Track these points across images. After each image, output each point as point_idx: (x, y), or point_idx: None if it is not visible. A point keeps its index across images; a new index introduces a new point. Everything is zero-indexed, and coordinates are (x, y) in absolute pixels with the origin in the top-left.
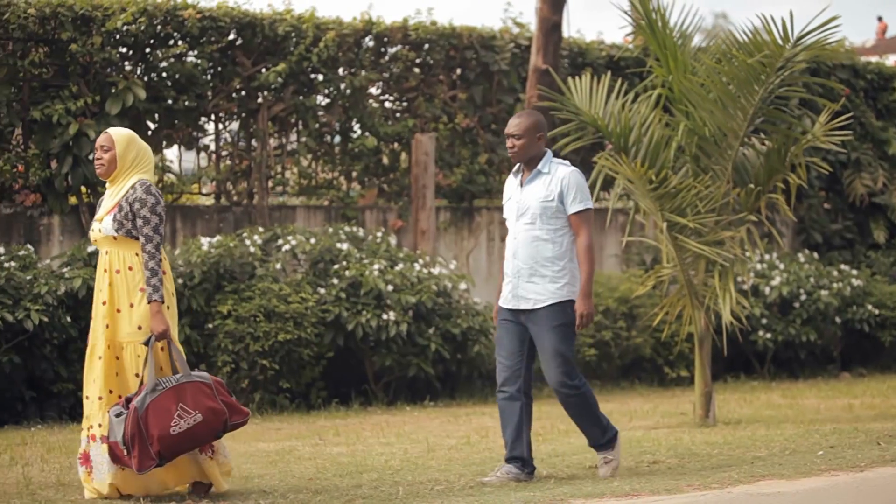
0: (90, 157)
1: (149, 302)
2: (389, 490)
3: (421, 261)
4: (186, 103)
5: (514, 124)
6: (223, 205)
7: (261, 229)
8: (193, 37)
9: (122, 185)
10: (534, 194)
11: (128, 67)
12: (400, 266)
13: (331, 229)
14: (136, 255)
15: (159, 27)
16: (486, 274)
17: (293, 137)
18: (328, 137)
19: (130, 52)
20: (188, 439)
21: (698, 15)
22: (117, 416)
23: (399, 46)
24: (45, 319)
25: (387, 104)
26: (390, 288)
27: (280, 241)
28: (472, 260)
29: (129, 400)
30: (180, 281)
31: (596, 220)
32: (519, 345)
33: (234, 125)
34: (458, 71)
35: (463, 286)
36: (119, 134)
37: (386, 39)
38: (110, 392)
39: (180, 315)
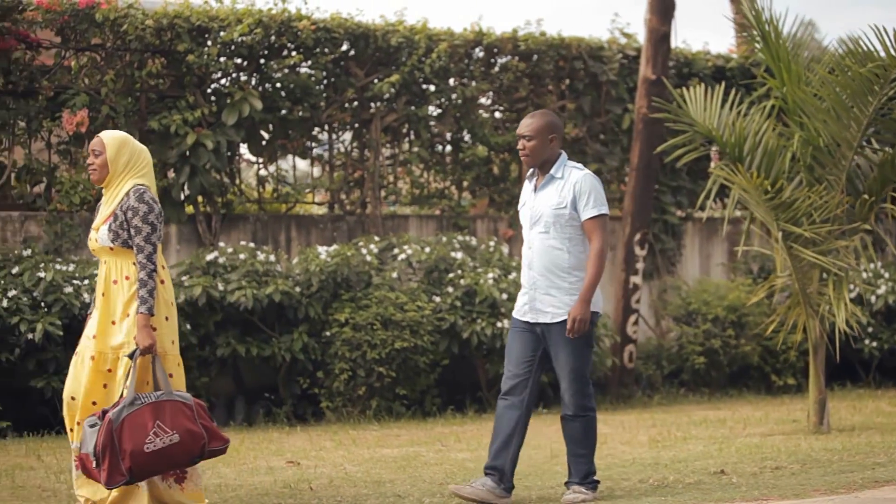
0: (207, 166)
1: (137, 314)
2: (521, 494)
3: None
4: (300, 114)
5: (525, 125)
6: (336, 214)
7: (376, 238)
8: (307, 48)
9: (118, 192)
10: (546, 201)
11: (243, 78)
12: (513, 275)
13: (444, 238)
14: (134, 264)
15: (273, 38)
16: None
17: (405, 147)
18: (439, 147)
19: (245, 63)
20: (162, 459)
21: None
22: (91, 426)
23: (509, 57)
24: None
25: (497, 114)
26: (504, 296)
27: (395, 251)
28: None
29: (105, 412)
30: (298, 289)
31: (705, 229)
32: (530, 354)
33: (348, 135)
34: (567, 81)
35: None
36: (110, 137)
37: (496, 50)
38: (93, 404)
39: (298, 322)
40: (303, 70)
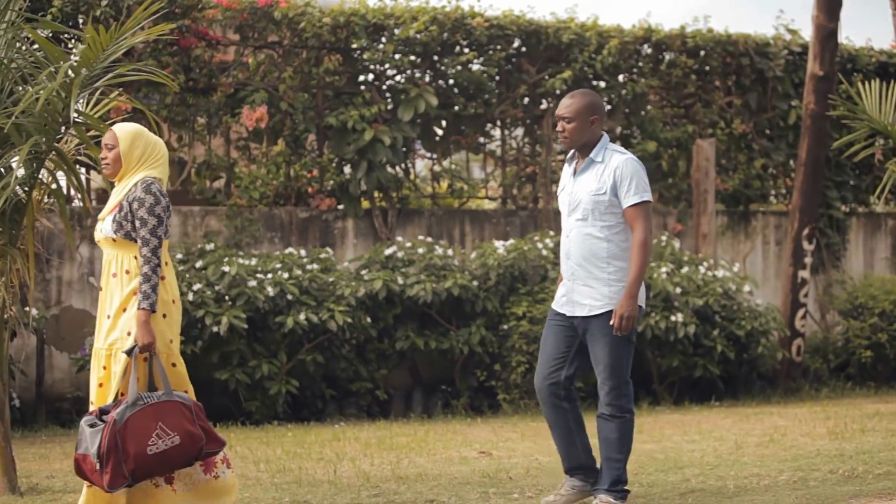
0: (383, 162)
1: (137, 309)
2: (717, 484)
3: (705, 264)
4: (474, 110)
5: (564, 105)
6: (509, 209)
7: (551, 233)
8: (480, 44)
9: (127, 184)
10: (585, 186)
11: (417, 75)
12: (685, 269)
13: None
14: (136, 258)
15: (447, 35)
16: (762, 277)
17: None
18: None
19: (419, 60)
20: (162, 461)
21: None
22: (91, 426)
23: (677, 53)
24: (349, 320)
25: (665, 110)
26: (678, 290)
27: None
28: (748, 263)
29: (103, 411)
30: (475, 283)
31: (869, 224)
32: (564, 350)
33: (519, 131)
34: (734, 77)
35: (746, 288)
36: (123, 130)
37: (664, 47)
38: (91, 403)
39: (475, 316)
40: (475, 67)
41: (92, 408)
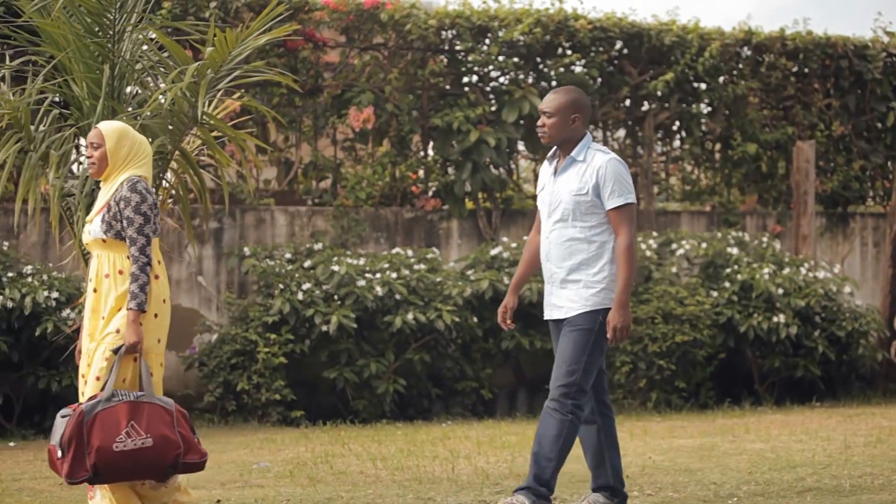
0: (487, 163)
1: (126, 309)
2: (832, 483)
3: (806, 265)
4: None
5: (547, 100)
6: None
7: (654, 234)
8: (583, 46)
9: (114, 183)
10: (566, 186)
11: (520, 76)
12: (787, 270)
13: (719, 234)
14: (128, 258)
15: (550, 37)
16: (860, 279)
17: (676, 144)
18: (710, 144)
19: (522, 62)
20: (130, 462)
21: None
22: (63, 416)
23: (776, 56)
24: (456, 320)
25: (764, 112)
26: (780, 291)
27: (673, 246)
28: (846, 265)
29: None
30: None
31: None
32: None
33: (621, 132)
34: (832, 80)
35: (847, 289)
36: (109, 128)
37: (764, 49)
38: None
39: None
40: (578, 68)
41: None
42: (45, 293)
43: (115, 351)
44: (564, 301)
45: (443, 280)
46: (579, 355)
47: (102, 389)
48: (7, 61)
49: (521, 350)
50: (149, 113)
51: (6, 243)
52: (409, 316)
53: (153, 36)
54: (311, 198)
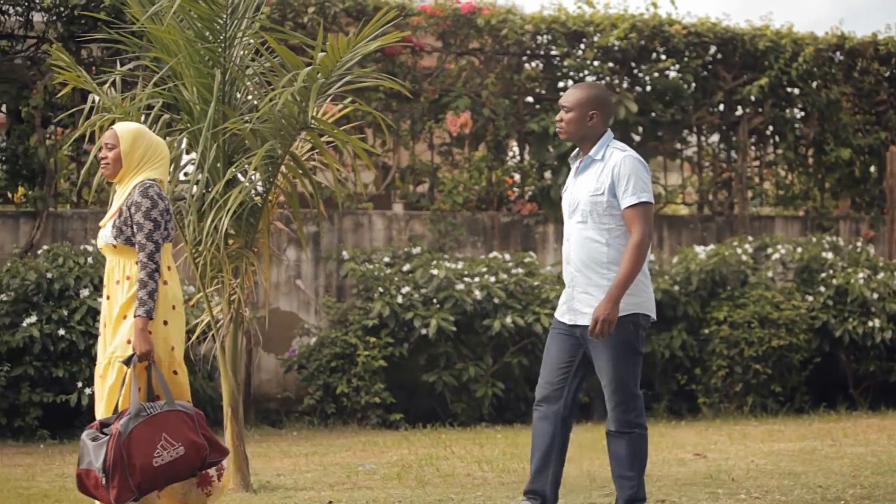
0: None
1: (134, 316)
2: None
3: None
4: (671, 116)
5: (566, 95)
6: (705, 214)
7: (750, 238)
8: (678, 51)
9: (127, 187)
10: (585, 186)
11: (615, 81)
12: (881, 275)
13: (814, 239)
14: (137, 264)
15: (644, 42)
16: None
17: (770, 149)
18: (803, 149)
19: (617, 67)
20: (167, 473)
21: None
22: (93, 440)
23: (869, 60)
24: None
25: (857, 117)
26: (875, 296)
27: (769, 250)
28: None
29: (104, 424)
30: (676, 287)
31: None
32: (567, 360)
33: (715, 137)
34: None
35: None
36: (124, 129)
37: (856, 54)
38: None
39: (676, 320)
40: (672, 73)
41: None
42: None
43: (127, 363)
44: (587, 307)
45: (540, 284)
46: (622, 368)
47: (115, 406)
48: (118, 66)
49: None
50: (254, 118)
51: None
52: (508, 319)
53: (260, 41)
54: (409, 201)
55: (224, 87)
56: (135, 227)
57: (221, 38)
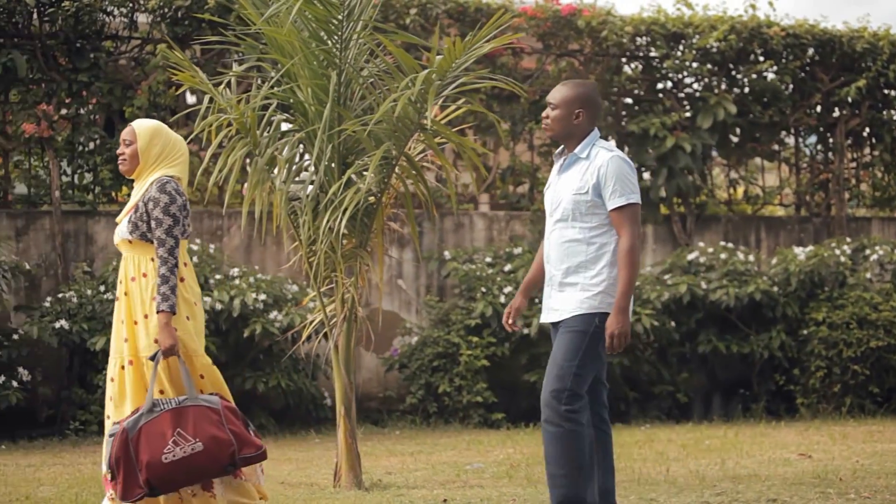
0: (682, 169)
1: (157, 312)
2: None
3: None
4: (769, 117)
5: (553, 92)
6: (803, 216)
7: (848, 239)
8: (776, 53)
9: (144, 183)
10: (568, 185)
11: (713, 82)
12: None
13: None
14: (153, 259)
15: (742, 44)
16: None
17: (867, 150)
18: None
19: (716, 68)
20: (184, 469)
21: None
22: (111, 436)
23: None
24: (655, 324)
25: None
26: None
27: (867, 251)
28: None
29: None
30: (775, 289)
31: None
32: None
33: (813, 138)
34: None
35: None
36: (142, 126)
37: None
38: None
39: (774, 321)
40: (770, 75)
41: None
42: (254, 295)
43: (152, 358)
44: (560, 304)
45: (641, 284)
46: (571, 358)
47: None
48: (226, 67)
49: (716, 354)
50: (370, 119)
51: (212, 246)
52: None
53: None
54: (509, 202)
55: (339, 89)
56: (153, 222)
57: (337, 39)
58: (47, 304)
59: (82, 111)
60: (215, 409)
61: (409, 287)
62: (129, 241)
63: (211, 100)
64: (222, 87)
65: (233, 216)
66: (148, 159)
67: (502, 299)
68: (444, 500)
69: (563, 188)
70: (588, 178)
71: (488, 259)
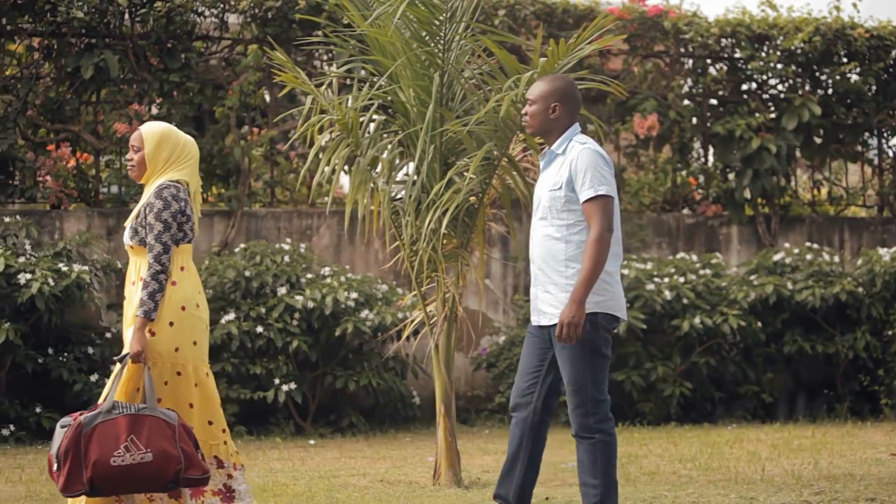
0: (767, 169)
1: (134, 316)
2: None
3: None
4: (853, 119)
5: (531, 87)
6: (886, 216)
7: None
8: (860, 55)
9: (150, 188)
10: (546, 182)
11: (798, 83)
12: None
13: None
14: None
15: (827, 46)
16: None
17: None
18: None
19: (800, 70)
20: (129, 478)
21: None
22: (63, 426)
23: None
24: (742, 324)
25: None
26: None
27: None
28: None
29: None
30: (860, 290)
31: None
32: (537, 364)
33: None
34: None
35: None
36: (150, 131)
37: None
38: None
39: (859, 322)
40: (853, 77)
41: None
42: (345, 294)
43: (121, 360)
44: (548, 307)
45: (727, 285)
46: (582, 370)
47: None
48: (324, 68)
49: (801, 354)
50: (472, 120)
51: (302, 245)
52: (696, 320)
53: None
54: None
55: (442, 90)
56: (147, 227)
57: (440, 40)
58: None
59: (173, 111)
60: (171, 425)
61: (496, 287)
62: (132, 247)
63: (313, 100)
64: (324, 87)
65: (322, 216)
66: (157, 164)
67: None
68: (546, 499)
69: (542, 185)
70: (563, 174)
71: None
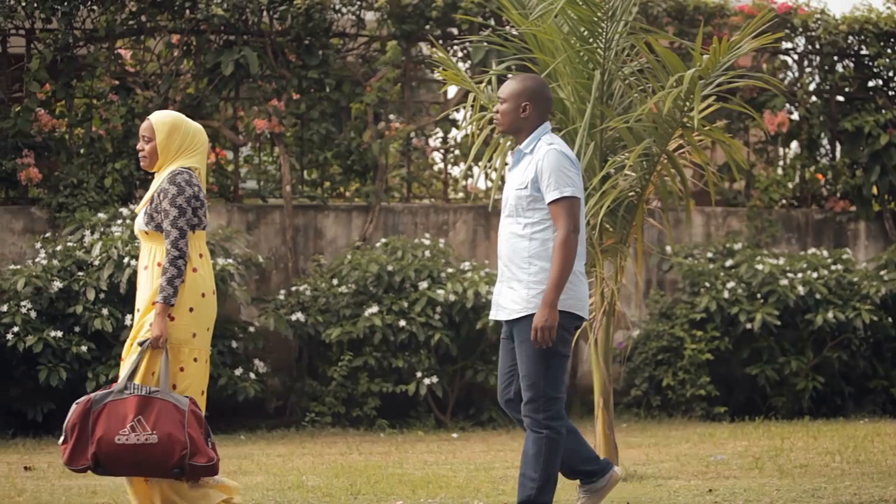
0: (894, 166)
1: (153, 303)
2: None
3: None
4: None
5: (503, 86)
6: None
7: None
8: None
9: (162, 175)
10: (513, 180)
11: None
12: None
13: None
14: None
15: None
16: None
17: None
18: None
19: None
20: (132, 458)
21: None
22: (77, 403)
23: None
24: (875, 319)
25: None
26: None
27: None
28: None
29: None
30: None
31: None
32: (509, 364)
33: None
34: None
35: None
36: (160, 121)
37: None
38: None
39: None
40: None
41: None
42: (486, 287)
43: (141, 343)
44: (508, 302)
45: (859, 280)
46: (536, 366)
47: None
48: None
49: None
50: (632, 117)
51: (441, 240)
52: (829, 314)
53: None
54: (725, 198)
55: (602, 87)
56: (162, 213)
57: (600, 38)
58: (281, 297)
59: (313, 108)
60: (181, 410)
61: (627, 281)
62: (146, 233)
63: (474, 97)
64: (483, 84)
65: (458, 211)
66: (168, 154)
67: (725, 294)
68: (710, 490)
69: (510, 184)
70: (528, 173)
71: (709, 254)
